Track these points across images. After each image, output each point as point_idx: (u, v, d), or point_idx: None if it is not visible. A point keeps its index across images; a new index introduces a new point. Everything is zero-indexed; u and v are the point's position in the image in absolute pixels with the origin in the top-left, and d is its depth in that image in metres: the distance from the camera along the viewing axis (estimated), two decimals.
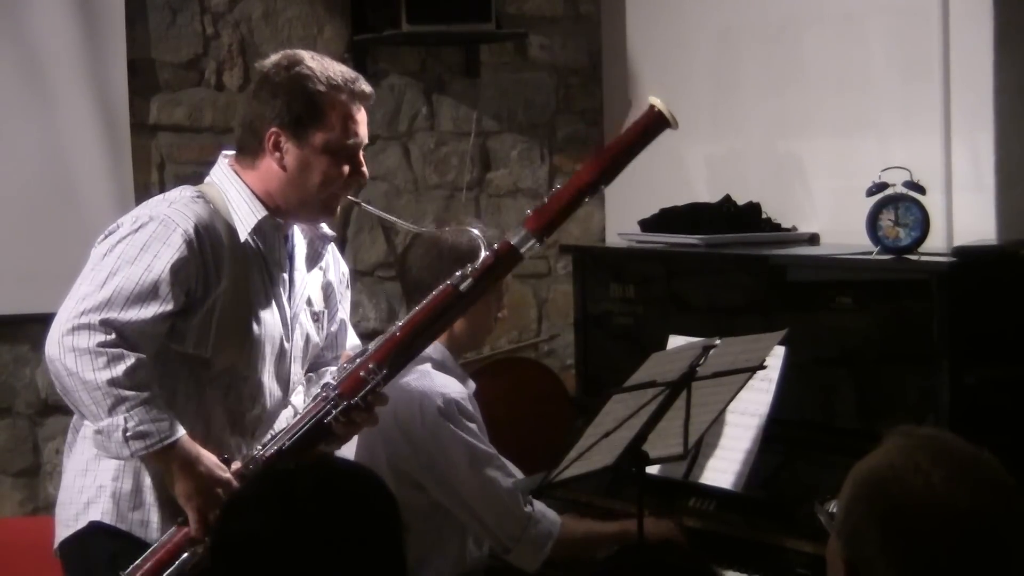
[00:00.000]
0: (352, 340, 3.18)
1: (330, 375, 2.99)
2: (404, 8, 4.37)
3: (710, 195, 4.29)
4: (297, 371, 3.00)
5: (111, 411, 2.66)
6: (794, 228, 4.11)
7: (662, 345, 3.63)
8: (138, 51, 4.33)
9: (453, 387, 3.26)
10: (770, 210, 4.14)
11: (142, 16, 4.34)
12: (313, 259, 3.04)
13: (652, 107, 2.89)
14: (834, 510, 1.88)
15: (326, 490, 1.94)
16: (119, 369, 2.66)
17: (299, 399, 3.00)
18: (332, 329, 3.12)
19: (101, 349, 2.66)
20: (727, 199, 4.19)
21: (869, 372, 3.47)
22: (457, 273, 2.87)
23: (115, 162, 4.23)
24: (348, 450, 3.29)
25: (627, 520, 3.32)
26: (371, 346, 2.88)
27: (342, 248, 4.59)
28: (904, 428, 1.88)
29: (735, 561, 3.32)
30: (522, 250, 2.88)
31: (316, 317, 3.04)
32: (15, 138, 4.13)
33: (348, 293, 3.19)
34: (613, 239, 4.73)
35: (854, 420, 3.47)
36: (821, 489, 2.97)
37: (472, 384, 3.39)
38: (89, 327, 2.67)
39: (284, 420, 2.94)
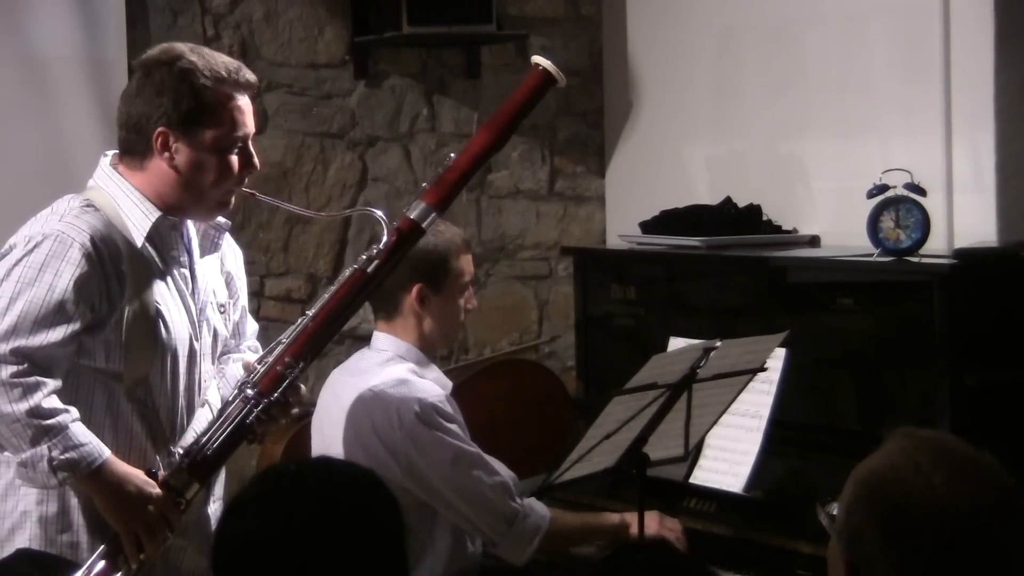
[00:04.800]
0: (252, 325, 3.14)
1: (233, 361, 2.99)
2: (405, 10, 4.37)
3: (711, 197, 4.29)
4: (208, 368, 2.93)
5: (33, 442, 2.59)
6: (795, 230, 4.11)
7: (663, 347, 3.63)
8: (139, 52, 4.29)
9: (430, 390, 3.24)
10: (771, 212, 4.14)
11: (143, 17, 4.34)
12: (210, 249, 2.96)
13: (537, 66, 2.95)
14: (835, 511, 1.88)
15: (327, 491, 1.94)
16: (36, 398, 2.59)
17: (213, 395, 2.95)
18: (235, 317, 3.06)
19: (16, 380, 2.59)
20: (728, 201, 4.19)
21: (870, 374, 3.46)
22: (363, 256, 2.86)
23: None
24: None
25: (622, 514, 3.33)
26: (284, 338, 2.84)
27: (343, 250, 4.59)
28: (905, 429, 1.88)
29: (736, 563, 3.31)
30: (423, 224, 2.89)
31: (222, 309, 2.98)
32: (15, 138, 4.13)
33: (245, 278, 3.11)
34: (614, 241, 4.73)
35: (855, 422, 3.47)
36: (822, 490, 2.95)
37: (449, 383, 3.38)
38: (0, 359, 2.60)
39: (203, 419, 2.87)
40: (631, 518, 3.29)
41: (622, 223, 4.62)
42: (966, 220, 3.69)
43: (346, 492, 1.95)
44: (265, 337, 3.17)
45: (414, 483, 3.20)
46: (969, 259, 3.48)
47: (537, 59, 2.95)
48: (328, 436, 3.30)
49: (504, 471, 3.27)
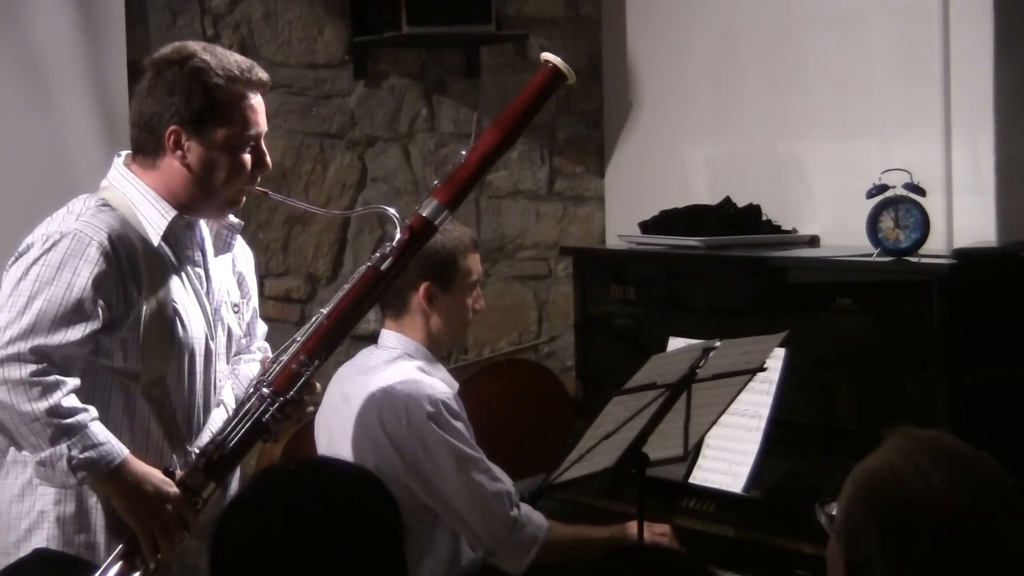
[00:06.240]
0: (262, 326, 3.14)
1: (245, 362, 2.99)
2: (404, 10, 4.37)
3: (710, 197, 4.29)
4: (223, 368, 2.92)
5: (52, 441, 2.59)
6: (794, 230, 4.11)
7: (662, 347, 3.63)
8: (138, 52, 4.32)
9: (439, 388, 3.25)
10: (770, 212, 4.14)
11: (142, 17, 4.34)
12: (223, 249, 2.96)
13: (547, 63, 2.92)
14: (834, 511, 1.88)
15: (327, 491, 1.94)
16: (56, 397, 2.59)
17: (228, 395, 2.95)
18: (247, 318, 3.05)
19: (35, 379, 2.59)
20: (727, 201, 4.19)
21: (869, 374, 3.47)
22: (376, 254, 2.86)
23: None
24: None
25: (618, 525, 3.33)
26: (298, 336, 2.84)
27: (342, 250, 4.59)
28: (904, 429, 1.88)
29: (735, 563, 3.32)
30: (436, 222, 2.88)
31: (236, 308, 2.97)
32: (15, 138, 4.12)
33: (255, 279, 3.11)
34: (613, 241, 4.73)
35: (854, 422, 3.47)
36: (821, 490, 2.95)
37: (455, 383, 3.38)
38: (19, 358, 2.60)
39: (218, 419, 2.88)
40: (624, 531, 3.29)
41: (621, 223, 4.62)
42: (965, 220, 3.69)
43: (345, 492, 1.95)
44: (265, 337, 3.17)
45: (417, 481, 3.20)
46: (968, 259, 3.49)
47: (547, 56, 2.93)
48: (336, 434, 3.30)
49: (505, 479, 3.27)
